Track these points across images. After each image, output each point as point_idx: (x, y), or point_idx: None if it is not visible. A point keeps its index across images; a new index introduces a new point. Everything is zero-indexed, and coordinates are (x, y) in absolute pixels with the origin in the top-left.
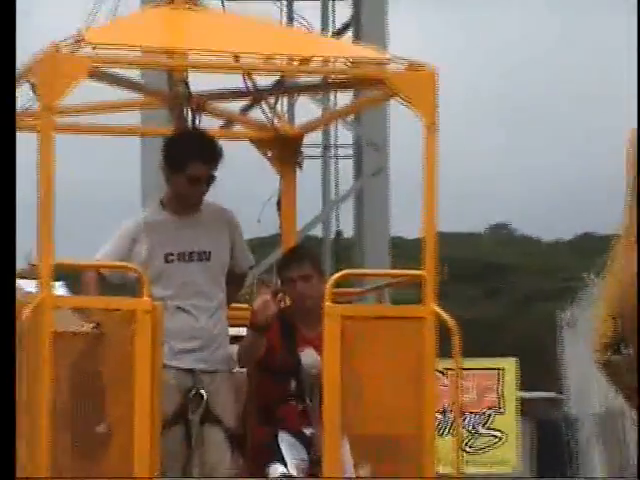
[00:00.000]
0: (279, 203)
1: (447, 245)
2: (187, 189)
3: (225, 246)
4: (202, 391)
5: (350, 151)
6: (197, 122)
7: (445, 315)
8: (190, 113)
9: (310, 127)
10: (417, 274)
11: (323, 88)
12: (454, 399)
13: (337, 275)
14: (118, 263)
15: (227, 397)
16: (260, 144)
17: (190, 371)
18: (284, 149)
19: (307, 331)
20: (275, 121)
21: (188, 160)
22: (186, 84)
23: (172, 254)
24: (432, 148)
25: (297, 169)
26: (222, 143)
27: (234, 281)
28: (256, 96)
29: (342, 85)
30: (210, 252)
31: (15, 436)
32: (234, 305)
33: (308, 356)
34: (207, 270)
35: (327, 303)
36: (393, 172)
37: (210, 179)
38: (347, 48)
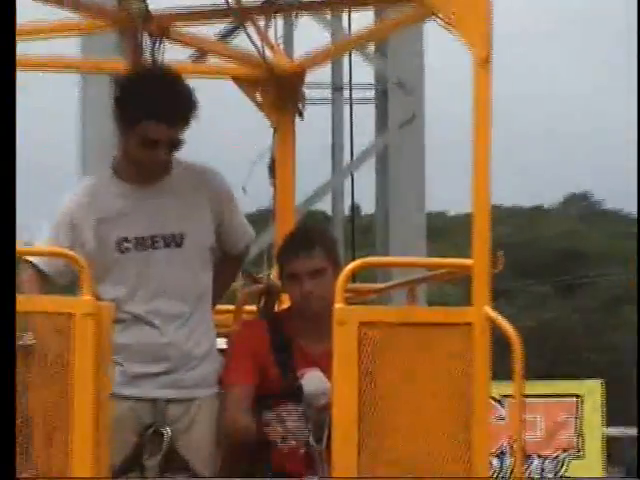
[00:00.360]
0: (272, 166)
1: (505, 224)
2: (140, 154)
3: (206, 224)
4: (164, 429)
5: (371, 94)
6: (158, 54)
7: (502, 321)
8: (148, 40)
9: (315, 60)
10: (463, 264)
11: (332, 5)
12: (515, 437)
13: (352, 266)
14: (41, 248)
15: (205, 433)
16: (246, 84)
17: (152, 401)
18: (279, 91)
19: (311, 346)
20: (267, 52)
21: (141, 116)
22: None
23: (127, 240)
24: (484, 90)
25: (297, 118)
26: (194, 84)
27: (227, 266)
28: (240, 16)
29: (359, 1)
30: (183, 235)
31: (15, 436)
32: (221, 307)
33: (312, 381)
34: (178, 260)
35: (338, 305)
36: (429, 124)
37: (174, 143)
38: None
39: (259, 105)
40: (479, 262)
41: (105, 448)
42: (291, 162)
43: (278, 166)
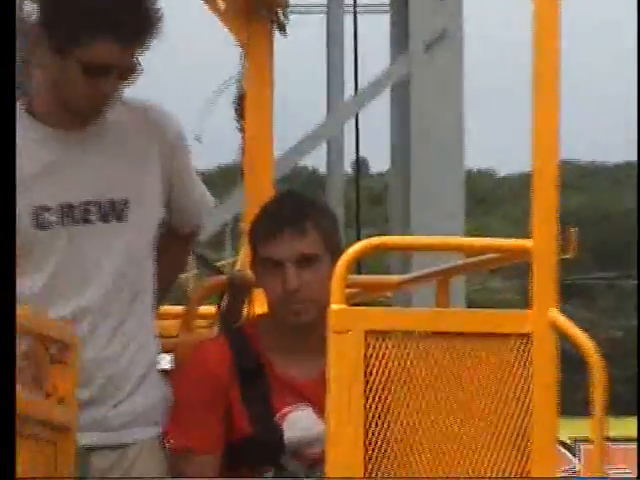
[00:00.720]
0: (239, 103)
1: (580, 189)
2: (81, 85)
3: (156, 188)
4: None
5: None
6: None
7: (575, 330)
8: None
9: None
10: (518, 246)
11: None
12: None
13: (356, 248)
14: None
15: None
16: None
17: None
18: None
19: (295, 369)
20: None
21: (84, 34)
22: None
23: (48, 209)
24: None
25: (276, 34)
26: None
27: (174, 250)
28: None
29: None
30: (126, 202)
31: (15, 436)
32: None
33: (298, 424)
34: (118, 241)
35: (335, 306)
36: (469, 44)
37: (127, 70)
38: None
39: (221, 14)
40: (541, 244)
41: None
42: (267, 97)
43: (249, 104)
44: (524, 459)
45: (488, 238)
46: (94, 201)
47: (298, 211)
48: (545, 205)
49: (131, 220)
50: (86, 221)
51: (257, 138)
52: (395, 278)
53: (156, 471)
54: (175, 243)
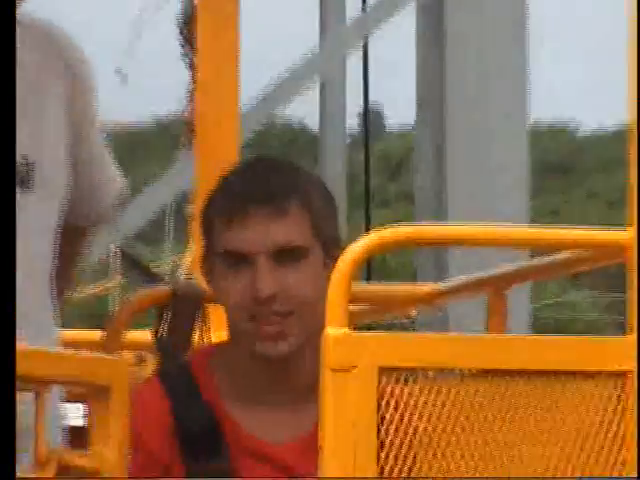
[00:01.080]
0: (185, 22)
1: None
2: None
3: (61, 147)
4: None
5: None
6: None
7: None
8: None
9: None
10: (608, 240)
11: None
12: None
13: (364, 241)
14: None
15: None
16: None
17: None
18: None
19: (268, 428)
20: None
21: None
22: None
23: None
24: None
25: None
26: None
27: (70, 239)
28: None
29: None
30: (34, 163)
31: (15, 436)
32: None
33: None
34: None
35: (332, 329)
36: None
37: None
38: None
39: None
40: None
41: None
42: (232, 14)
43: (203, 27)
44: None
45: (564, 228)
46: None
47: (275, 184)
48: None
49: (37, 183)
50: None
51: (215, 79)
52: (424, 288)
53: None
54: (73, 232)
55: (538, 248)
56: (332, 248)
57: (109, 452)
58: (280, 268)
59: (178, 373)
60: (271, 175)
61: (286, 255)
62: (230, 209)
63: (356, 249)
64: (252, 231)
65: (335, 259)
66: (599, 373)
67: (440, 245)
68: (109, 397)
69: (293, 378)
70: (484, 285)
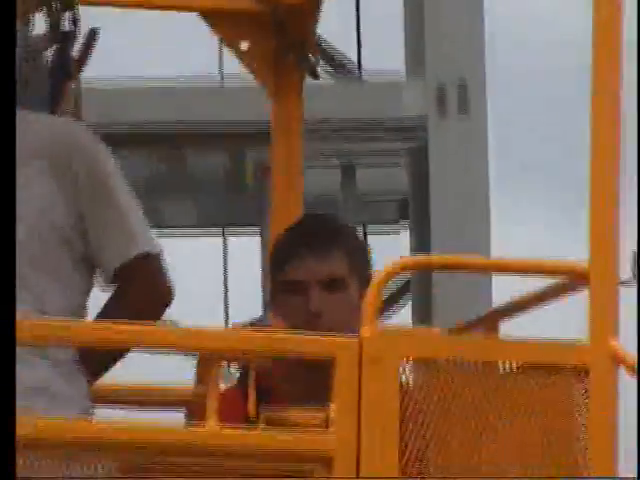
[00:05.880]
0: None
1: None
2: None
3: (44, 200)
4: None
5: None
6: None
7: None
8: None
9: None
10: (572, 267)
11: None
12: None
13: (388, 269)
14: None
15: None
16: (222, 23)
17: None
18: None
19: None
20: None
21: None
22: None
23: None
24: None
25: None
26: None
27: (115, 294)
28: None
29: None
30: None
31: (15, 437)
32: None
33: None
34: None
35: (367, 329)
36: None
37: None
38: None
39: (243, 56)
40: (599, 266)
41: None
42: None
43: (277, 156)
44: None
45: (535, 260)
46: None
47: (324, 232)
48: (604, 224)
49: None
50: None
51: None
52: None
53: None
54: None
55: (519, 272)
56: (365, 283)
57: None
58: (326, 292)
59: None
60: (319, 227)
61: (330, 283)
62: (291, 251)
63: (385, 273)
64: (306, 266)
65: (365, 287)
66: (565, 367)
67: (444, 270)
68: None
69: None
70: (481, 322)
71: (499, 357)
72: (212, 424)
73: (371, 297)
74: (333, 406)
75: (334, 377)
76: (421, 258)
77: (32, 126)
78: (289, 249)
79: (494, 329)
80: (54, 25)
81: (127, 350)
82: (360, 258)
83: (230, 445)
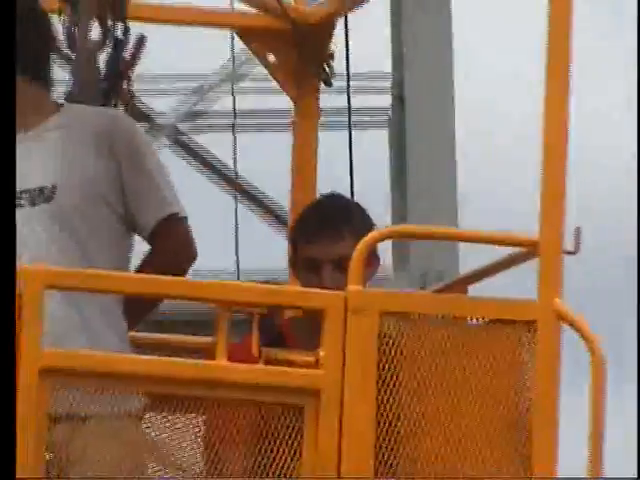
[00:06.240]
0: None
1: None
2: None
3: (89, 170)
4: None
5: None
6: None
7: (578, 319)
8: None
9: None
10: (526, 239)
11: None
12: None
13: (373, 235)
14: None
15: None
16: (255, 39)
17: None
18: (300, 48)
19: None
20: None
21: None
22: None
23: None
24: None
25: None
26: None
27: (145, 261)
28: None
29: None
30: (54, 187)
31: (15, 436)
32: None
33: None
34: (42, 220)
35: (352, 287)
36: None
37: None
38: None
39: (271, 69)
40: (548, 237)
41: None
42: (313, 141)
43: (296, 150)
44: (526, 446)
45: (494, 230)
46: (26, 189)
47: (338, 216)
48: (552, 202)
49: (57, 200)
50: (19, 206)
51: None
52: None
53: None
54: (151, 248)
55: (478, 241)
56: (375, 262)
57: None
58: (337, 271)
59: (270, 330)
60: (334, 210)
61: (341, 262)
62: (309, 232)
63: (369, 239)
64: (321, 247)
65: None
66: (517, 321)
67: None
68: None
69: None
70: (451, 288)
71: (463, 313)
72: (221, 361)
73: (357, 258)
74: (322, 349)
75: (323, 325)
76: (398, 228)
77: (87, 116)
78: (305, 229)
79: (463, 291)
80: (108, 33)
81: (160, 300)
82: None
83: (235, 378)
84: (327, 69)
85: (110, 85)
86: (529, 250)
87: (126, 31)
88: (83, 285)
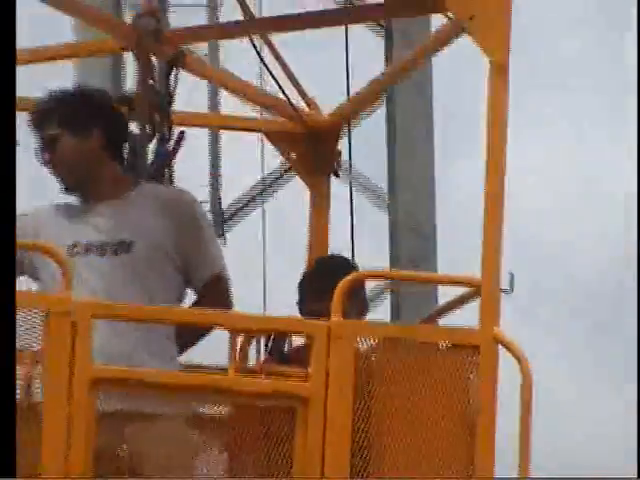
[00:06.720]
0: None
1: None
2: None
3: (159, 231)
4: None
5: None
6: (172, 82)
7: (516, 347)
8: (162, 67)
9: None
10: (470, 279)
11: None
12: None
13: (349, 278)
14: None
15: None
16: (280, 140)
17: (111, 416)
18: (315, 148)
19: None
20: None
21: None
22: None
23: (76, 245)
24: (500, 96)
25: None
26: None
27: (202, 298)
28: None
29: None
30: (132, 242)
31: (15, 436)
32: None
33: None
34: (118, 267)
35: (335, 318)
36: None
37: (50, 141)
38: None
39: (293, 163)
40: (489, 278)
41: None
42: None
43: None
44: (470, 452)
45: (447, 274)
46: (96, 241)
47: (330, 277)
48: (492, 251)
49: (135, 252)
50: (102, 254)
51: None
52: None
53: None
54: (198, 298)
55: (433, 282)
56: (364, 313)
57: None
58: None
59: (283, 357)
60: (332, 277)
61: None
62: (312, 291)
63: (344, 283)
64: (312, 307)
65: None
66: (463, 346)
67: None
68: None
69: None
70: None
71: (422, 338)
72: (232, 374)
73: (337, 297)
74: (310, 366)
75: (311, 348)
76: (370, 271)
77: (159, 190)
78: (304, 287)
79: (434, 322)
80: (155, 129)
81: (207, 332)
82: (360, 298)
83: (242, 387)
84: (335, 165)
85: (156, 169)
86: (476, 289)
87: (170, 127)
88: (118, 314)
